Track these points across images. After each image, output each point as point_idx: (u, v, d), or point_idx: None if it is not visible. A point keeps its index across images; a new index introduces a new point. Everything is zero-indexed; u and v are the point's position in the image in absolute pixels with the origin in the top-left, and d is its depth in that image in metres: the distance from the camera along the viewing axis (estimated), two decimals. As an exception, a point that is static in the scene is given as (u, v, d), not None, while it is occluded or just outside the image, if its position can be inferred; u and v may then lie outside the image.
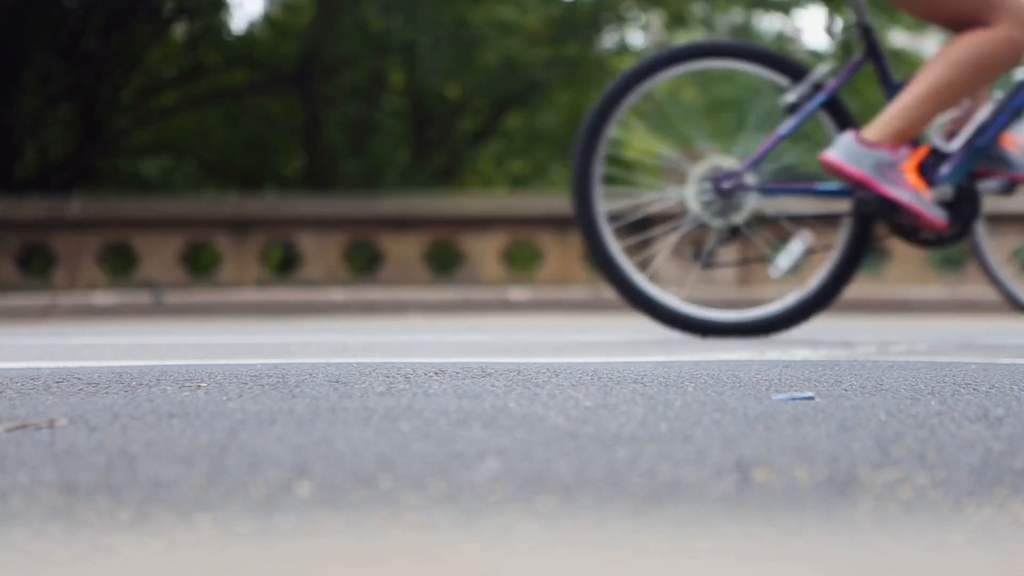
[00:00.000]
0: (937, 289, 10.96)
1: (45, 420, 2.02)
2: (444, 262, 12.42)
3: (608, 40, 17.85)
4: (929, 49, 22.54)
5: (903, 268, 11.52)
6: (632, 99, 4.99)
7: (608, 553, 1.33)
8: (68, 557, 1.34)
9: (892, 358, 3.69)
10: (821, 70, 4.91)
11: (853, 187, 4.81)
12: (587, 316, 9.44)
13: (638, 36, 19.88)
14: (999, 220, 11.51)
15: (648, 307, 4.99)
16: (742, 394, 2.27)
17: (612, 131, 5.05)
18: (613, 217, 5.21)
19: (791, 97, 4.89)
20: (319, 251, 11.76)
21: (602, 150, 5.05)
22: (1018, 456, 1.72)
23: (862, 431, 1.87)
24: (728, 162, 4.98)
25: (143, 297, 10.38)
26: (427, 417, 1.98)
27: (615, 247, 5.06)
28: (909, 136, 4.72)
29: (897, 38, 17.76)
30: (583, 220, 5.02)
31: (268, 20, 17.91)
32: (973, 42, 4.69)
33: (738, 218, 5.00)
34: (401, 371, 2.58)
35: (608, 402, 2.14)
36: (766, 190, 5.03)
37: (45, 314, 9.88)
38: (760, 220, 5.29)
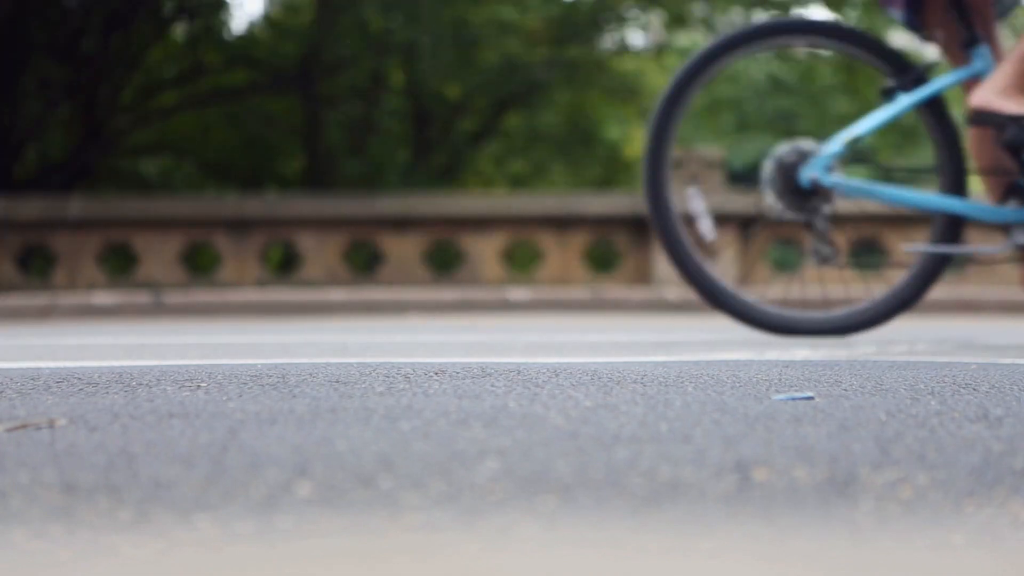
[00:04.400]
0: (937, 289, 10.96)
1: (45, 420, 2.02)
2: (444, 262, 12.42)
3: (608, 40, 17.85)
4: (929, 50, 22.51)
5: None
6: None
7: (608, 553, 1.33)
8: (68, 557, 1.34)
9: (892, 358, 3.69)
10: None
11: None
12: (587, 316, 9.44)
13: (638, 36, 19.89)
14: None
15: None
16: (742, 394, 2.27)
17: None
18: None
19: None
20: (319, 251, 11.76)
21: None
22: (1018, 456, 1.72)
23: (862, 431, 1.87)
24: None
25: (143, 297, 10.38)
26: (427, 417, 1.98)
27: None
28: None
29: (898, 38, 17.76)
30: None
31: (268, 20, 17.92)
32: None
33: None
34: (401, 371, 2.58)
35: (608, 402, 2.14)
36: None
37: (45, 314, 9.88)
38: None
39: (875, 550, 1.36)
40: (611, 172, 20.44)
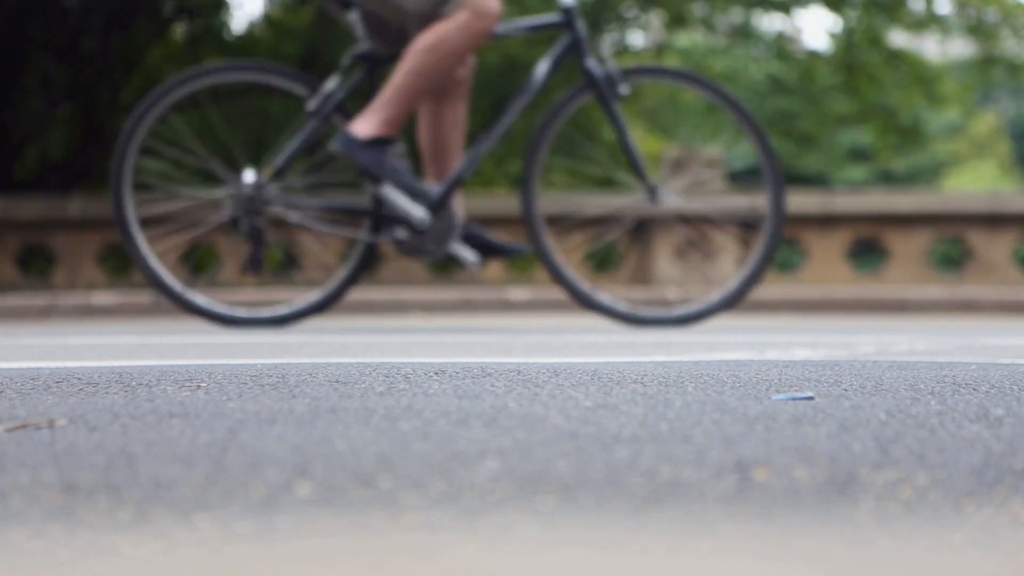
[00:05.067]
0: (937, 289, 10.95)
1: (45, 420, 2.02)
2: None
3: (608, 40, 17.84)
4: (929, 50, 22.54)
5: (903, 268, 11.52)
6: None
7: (608, 553, 1.33)
8: (68, 557, 1.34)
9: (892, 358, 3.69)
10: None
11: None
12: (587, 316, 9.43)
13: (638, 36, 19.88)
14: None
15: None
16: (742, 394, 2.26)
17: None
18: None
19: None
20: (319, 251, 11.75)
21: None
22: (1018, 456, 1.72)
23: (862, 431, 1.87)
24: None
25: (143, 297, 10.38)
26: (427, 417, 1.98)
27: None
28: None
29: (898, 38, 17.75)
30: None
31: (268, 20, 17.90)
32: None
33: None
34: (401, 371, 2.58)
35: (608, 402, 2.14)
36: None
37: (45, 314, 9.88)
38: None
39: (875, 550, 1.36)
40: (611, 172, 20.40)
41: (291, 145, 5.81)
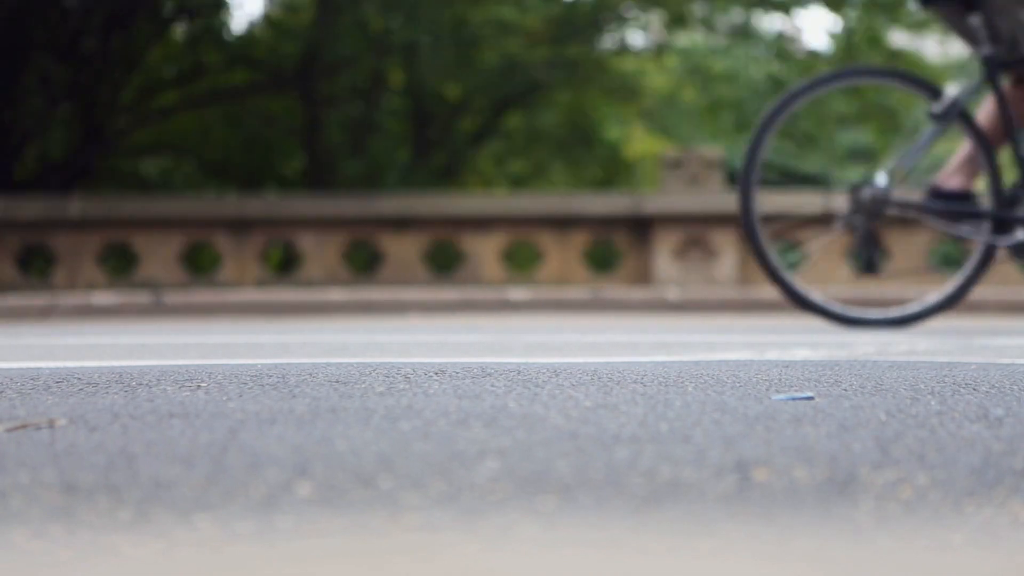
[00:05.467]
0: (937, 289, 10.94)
1: (45, 420, 2.02)
2: (444, 262, 12.41)
3: (608, 40, 17.85)
4: (929, 50, 22.56)
5: (902, 268, 11.52)
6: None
7: (608, 553, 1.33)
8: (68, 557, 1.34)
9: (892, 358, 3.69)
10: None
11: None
12: (587, 316, 9.44)
13: (638, 36, 19.89)
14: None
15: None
16: (742, 394, 2.26)
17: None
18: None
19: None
20: (319, 251, 11.76)
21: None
22: (1018, 456, 1.72)
23: (862, 431, 1.87)
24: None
25: (143, 297, 10.38)
26: (427, 417, 1.98)
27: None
28: None
29: (897, 38, 17.76)
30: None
31: (268, 20, 17.91)
32: None
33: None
34: (401, 371, 2.58)
35: (608, 402, 2.14)
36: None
37: (45, 314, 9.88)
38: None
39: (875, 550, 1.36)
40: (611, 172, 20.42)
41: (914, 148, 5.93)
